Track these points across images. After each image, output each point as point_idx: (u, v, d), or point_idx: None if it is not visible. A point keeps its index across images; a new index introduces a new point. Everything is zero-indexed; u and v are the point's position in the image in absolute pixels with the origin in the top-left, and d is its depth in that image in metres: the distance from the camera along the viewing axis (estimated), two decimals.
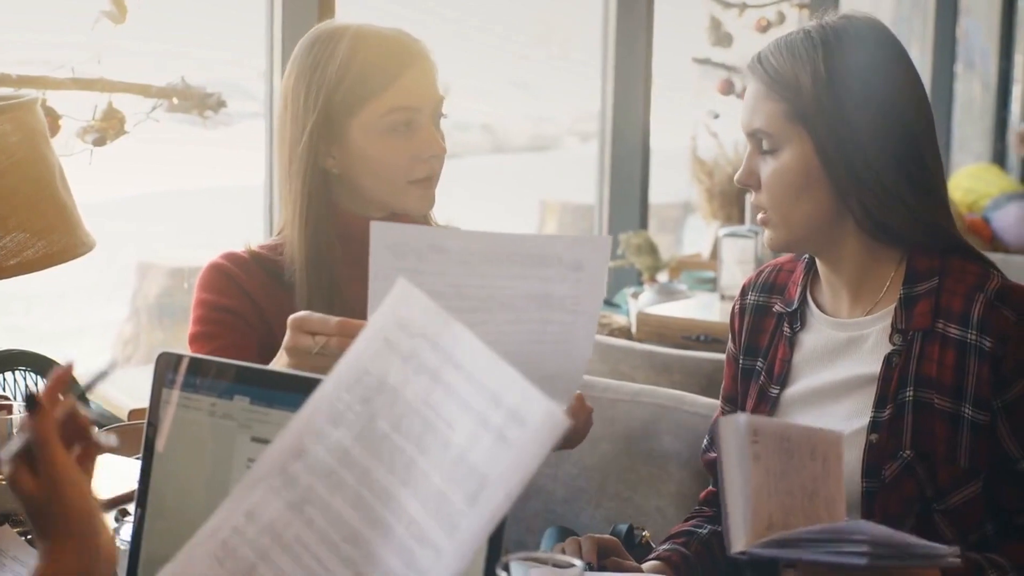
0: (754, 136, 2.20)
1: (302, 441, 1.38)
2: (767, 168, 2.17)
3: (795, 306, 2.29)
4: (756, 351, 2.35)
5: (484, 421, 1.29)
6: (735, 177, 2.25)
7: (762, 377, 2.30)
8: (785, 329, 2.29)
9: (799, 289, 2.30)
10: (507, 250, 1.94)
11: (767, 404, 2.27)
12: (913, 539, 1.82)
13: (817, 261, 2.27)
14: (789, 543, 1.83)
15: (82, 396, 3.16)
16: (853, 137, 2.11)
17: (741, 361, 2.36)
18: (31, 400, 1.36)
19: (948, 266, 2.16)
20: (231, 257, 2.47)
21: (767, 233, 2.23)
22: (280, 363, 2.08)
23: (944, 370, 2.09)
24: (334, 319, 2.00)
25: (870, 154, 2.11)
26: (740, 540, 1.87)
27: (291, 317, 2.04)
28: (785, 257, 2.37)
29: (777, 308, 2.32)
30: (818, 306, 2.28)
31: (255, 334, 2.41)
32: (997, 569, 2.03)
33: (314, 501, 1.36)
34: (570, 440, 2.47)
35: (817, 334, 2.26)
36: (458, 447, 1.30)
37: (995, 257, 4.59)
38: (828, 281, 2.27)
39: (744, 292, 2.40)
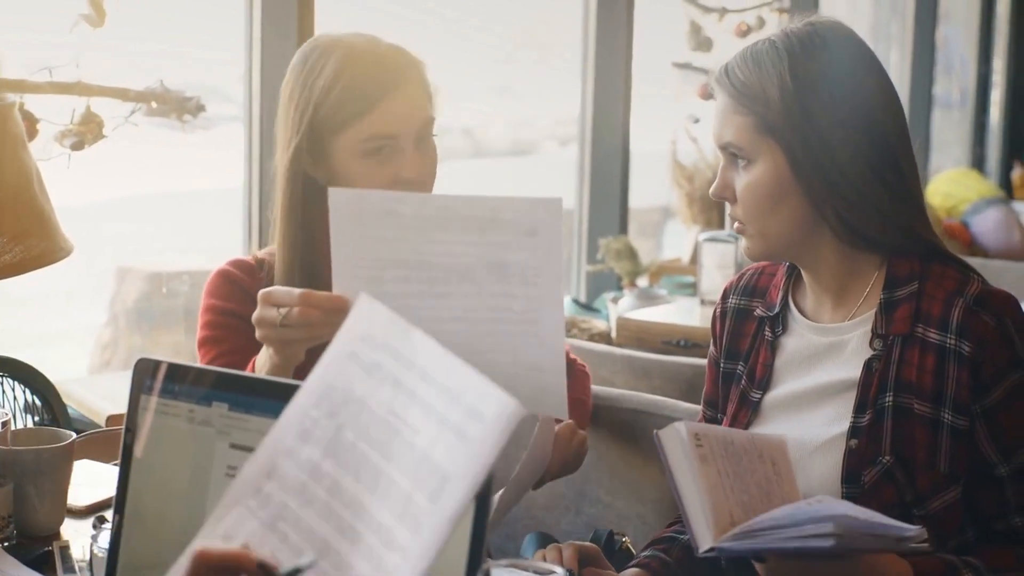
0: (726, 149, 2.18)
1: (273, 460, 1.40)
2: (741, 181, 2.16)
3: (777, 310, 2.28)
4: (737, 355, 2.34)
5: (444, 421, 1.31)
6: (710, 191, 2.24)
7: (743, 381, 2.30)
8: (767, 333, 2.29)
9: (780, 293, 2.29)
10: (459, 213, 1.93)
11: (748, 408, 2.27)
12: (879, 516, 1.82)
13: (798, 267, 2.27)
14: (754, 533, 1.83)
15: (57, 399, 3.15)
16: (825, 146, 2.09)
17: (722, 365, 2.36)
18: None
19: (928, 271, 2.15)
20: (238, 264, 2.52)
21: (744, 243, 2.22)
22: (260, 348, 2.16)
23: (924, 375, 2.09)
24: (297, 291, 2.05)
25: (843, 162, 2.10)
26: (706, 538, 1.88)
27: (260, 291, 2.10)
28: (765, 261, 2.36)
29: (759, 312, 2.32)
30: (800, 310, 2.27)
31: None
32: (972, 570, 2.03)
33: (287, 517, 1.37)
34: (567, 467, 2.48)
35: (798, 339, 2.25)
36: (421, 449, 1.32)
37: (974, 262, 4.60)
38: (809, 286, 2.26)
39: (725, 296, 2.39)
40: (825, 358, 2.21)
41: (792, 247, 2.19)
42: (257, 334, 2.13)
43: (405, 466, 1.32)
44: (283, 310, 2.06)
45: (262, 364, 2.19)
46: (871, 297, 2.19)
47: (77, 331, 6.40)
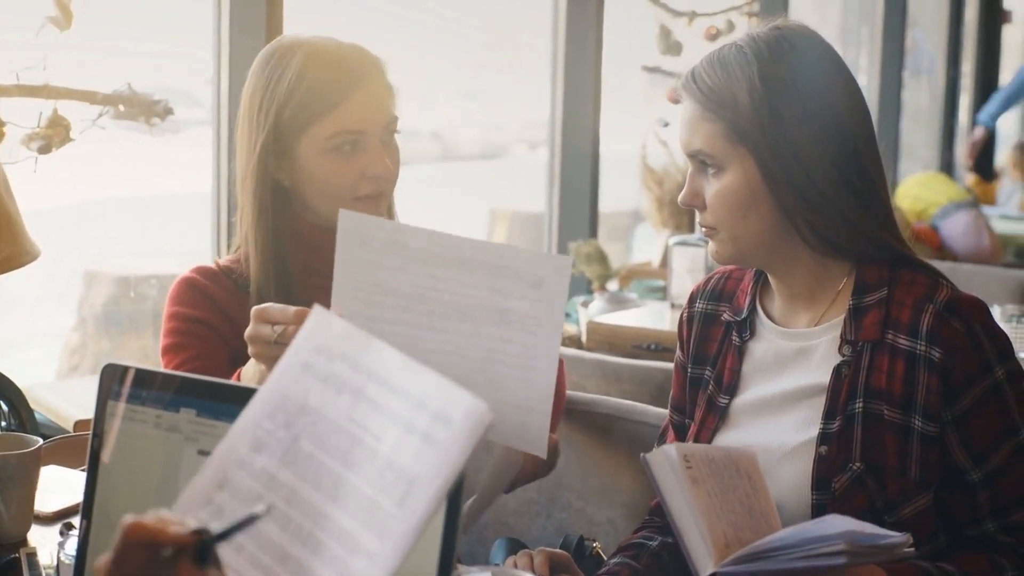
0: (695, 157, 2.16)
1: (225, 472, 1.40)
2: (711, 189, 2.14)
3: (744, 315, 2.28)
4: (704, 359, 2.33)
5: (409, 426, 1.32)
6: (679, 199, 2.22)
7: (711, 387, 2.29)
8: (734, 338, 2.28)
9: (748, 298, 2.29)
10: (467, 255, 1.95)
11: (716, 414, 2.26)
12: (878, 530, 1.84)
13: (767, 272, 2.26)
14: (759, 556, 1.83)
15: (25, 405, 3.13)
16: (794, 151, 2.08)
17: (690, 370, 2.35)
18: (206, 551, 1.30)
19: (897, 277, 2.15)
20: (202, 271, 2.51)
21: (713, 247, 2.20)
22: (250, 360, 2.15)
23: (894, 381, 2.09)
24: (292, 308, 2.05)
25: (811, 167, 2.08)
26: (707, 563, 1.87)
27: (254, 308, 2.09)
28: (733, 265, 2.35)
29: (725, 317, 2.31)
30: (767, 315, 2.26)
31: (226, 345, 2.45)
32: (944, 575, 2.03)
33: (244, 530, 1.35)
34: (539, 471, 2.48)
35: (766, 344, 2.25)
36: (385, 455, 1.32)
37: (943, 266, 4.62)
38: (777, 291, 2.26)
39: (692, 300, 2.38)
40: (793, 363, 2.21)
41: (762, 253, 2.18)
42: (250, 350, 2.11)
43: (368, 473, 1.33)
44: (278, 328, 2.05)
45: (249, 379, 2.18)
46: (839, 303, 2.18)
47: (45, 336, 6.38)
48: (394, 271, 1.96)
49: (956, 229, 7.10)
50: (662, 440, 2.44)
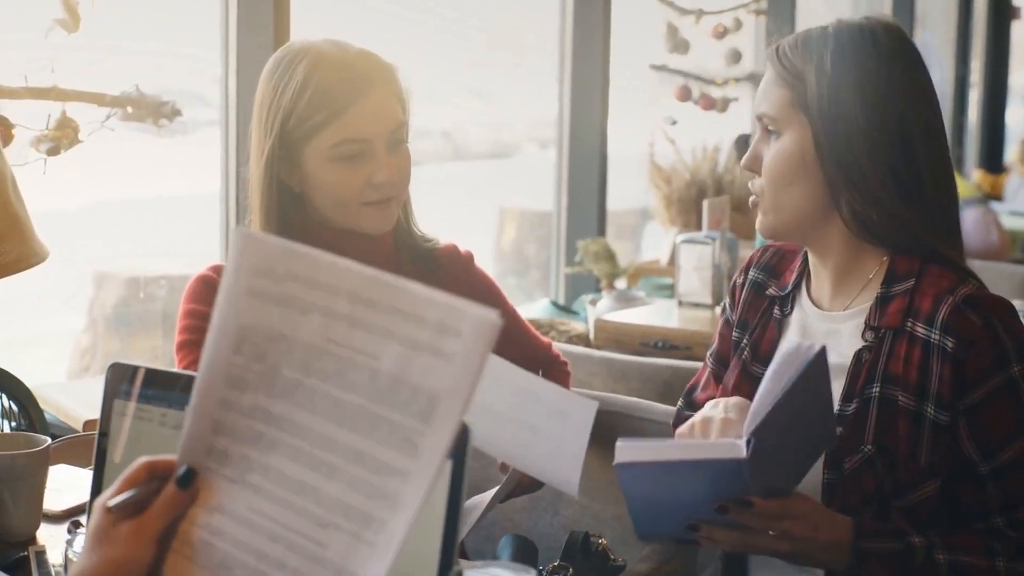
0: (761, 120, 2.24)
1: (212, 416, 1.35)
2: (769, 152, 2.22)
3: (788, 290, 2.33)
4: (745, 326, 2.39)
5: (411, 342, 1.26)
6: (741, 163, 2.32)
7: (746, 353, 2.34)
8: (776, 312, 2.34)
9: (794, 275, 2.35)
10: (524, 387, 2.19)
11: (750, 382, 2.29)
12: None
13: (806, 248, 2.31)
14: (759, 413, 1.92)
15: (34, 405, 3.15)
16: (848, 137, 2.14)
17: (735, 332, 2.42)
18: (188, 475, 1.33)
19: (926, 269, 2.18)
20: (218, 269, 2.54)
21: (758, 218, 2.27)
22: None
23: (910, 368, 2.12)
24: None
25: (860, 154, 2.13)
26: (739, 446, 1.91)
27: None
28: (790, 243, 2.39)
29: (771, 291, 2.37)
30: (808, 295, 2.31)
31: None
32: (924, 538, 2.06)
33: (253, 467, 1.33)
34: (536, 485, 2.50)
35: (801, 322, 2.30)
36: (389, 374, 1.27)
37: None
38: (814, 271, 2.31)
39: (747, 267, 2.45)
40: (822, 342, 2.23)
41: (802, 227, 2.23)
42: None
43: (372, 393, 1.28)
44: None
45: None
46: (869, 289, 2.22)
47: (56, 337, 6.39)
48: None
49: (965, 225, 7.07)
50: (690, 394, 2.52)
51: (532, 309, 5.23)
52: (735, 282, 2.47)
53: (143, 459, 1.36)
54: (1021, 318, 2.15)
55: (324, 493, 1.29)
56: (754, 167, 2.25)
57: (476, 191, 10.53)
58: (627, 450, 1.95)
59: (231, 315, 1.34)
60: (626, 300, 4.94)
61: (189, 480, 1.33)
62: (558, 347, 3.80)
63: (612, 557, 2.37)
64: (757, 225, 2.28)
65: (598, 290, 5.31)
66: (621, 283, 5.30)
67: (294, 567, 1.29)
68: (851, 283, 2.25)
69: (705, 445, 1.98)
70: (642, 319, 4.56)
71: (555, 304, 5.38)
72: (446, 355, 1.24)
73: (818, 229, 2.22)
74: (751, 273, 2.43)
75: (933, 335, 2.11)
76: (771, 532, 2.01)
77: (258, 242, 1.33)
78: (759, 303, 2.39)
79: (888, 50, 2.19)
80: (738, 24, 6.08)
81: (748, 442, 1.89)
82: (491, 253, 8.16)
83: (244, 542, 1.31)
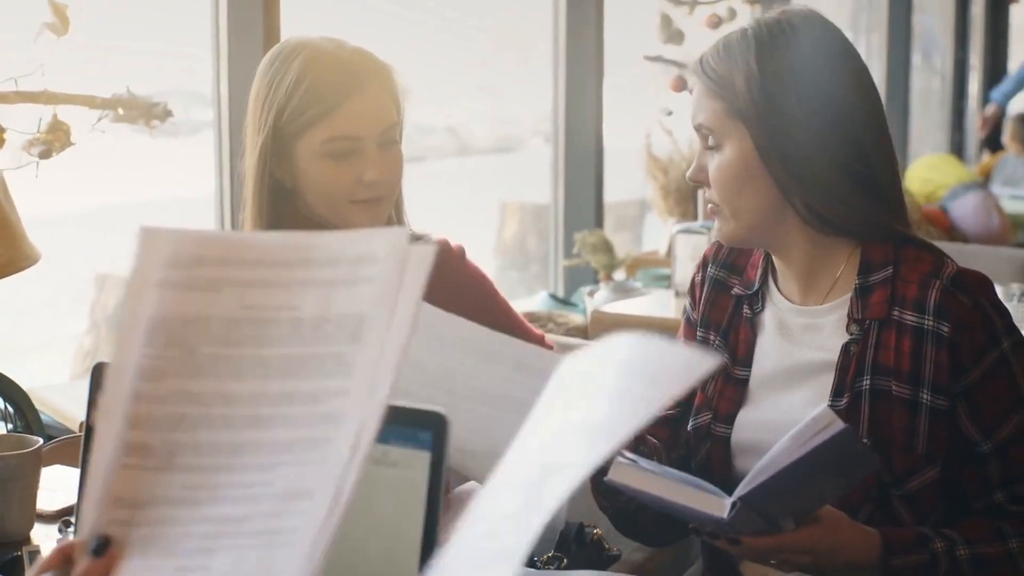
0: (699, 131, 2.22)
1: (125, 413, 1.30)
2: (713, 163, 2.20)
3: (756, 287, 2.31)
4: (711, 325, 2.36)
5: (329, 282, 1.26)
6: (686, 174, 2.29)
7: (725, 358, 2.32)
8: (745, 311, 2.31)
9: (759, 272, 2.32)
10: (494, 348, 2.05)
11: (734, 386, 2.28)
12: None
13: (770, 252, 2.30)
14: (763, 471, 1.89)
15: (30, 406, 3.16)
16: (789, 136, 2.13)
17: (699, 331, 2.39)
18: (101, 545, 1.32)
19: (902, 255, 2.18)
20: None
21: (718, 226, 2.25)
22: None
23: (901, 357, 2.12)
24: None
25: (808, 152, 2.13)
26: (720, 505, 1.92)
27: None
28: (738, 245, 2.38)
29: (736, 291, 2.34)
30: (778, 289, 2.30)
31: None
32: (945, 540, 2.06)
33: (179, 450, 1.30)
34: None
35: (777, 316, 2.28)
36: (312, 318, 1.26)
37: (953, 247, 4.62)
38: (780, 269, 2.29)
39: (705, 264, 2.41)
40: (802, 339, 2.24)
41: (762, 231, 2.22)
42: None
43: (299, 338, 1.27)
44: None
45: None
46: (844, 281, 2.21)
47: (59, 340, 6.41)
48: (424, 350, 2.01)
49: (966, 210, 7.10)
50: None
51: (531, 302, 5.23)
52: (693, 280, 2.44)
53: (59, 545, 1.35)
54: (1009, 296, 2.17)
55: (262, 442, 1.27)
56: (701, 178, 2.23)
57: (481, 185, 10.55)
58: (620, 471, 1.96)
59: (139, 311, 1.30)
60: (624, 291, 4.95)
61: (103, 549, 1.30)
62: (556, 339, 3.81)
63: (607, 547, 2.38)
64: (717, 234, 2.27)
65: (596, 282, 5.31)
66: (619, 275, 5.30)
67: (245, 513, 1.28)
68: (821, 277, 2.23)
69: (692, 492, 1.93)
70: (639, 310, 4.56)
71: (553, 296, 5.38)
72: (365, 279, 1.25)
73: (777, 230, 2.21)
74: (710, 270, 2.39)
75: (927, 322, 2.11)
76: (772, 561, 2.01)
77: (163, 235, 1.30)
78: (724, 301, 2.36)
79: (815, 41, 2.19)
80: (732, 14, 6.07)
81: (733, 504, 1.89)
82: (492, 247, 8.17)
83: (191, 517, 1.29)
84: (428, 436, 1.45)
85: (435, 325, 2.01)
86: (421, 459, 1.45)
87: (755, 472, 1.90)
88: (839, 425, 1.83)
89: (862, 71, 2.23)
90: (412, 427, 1.46)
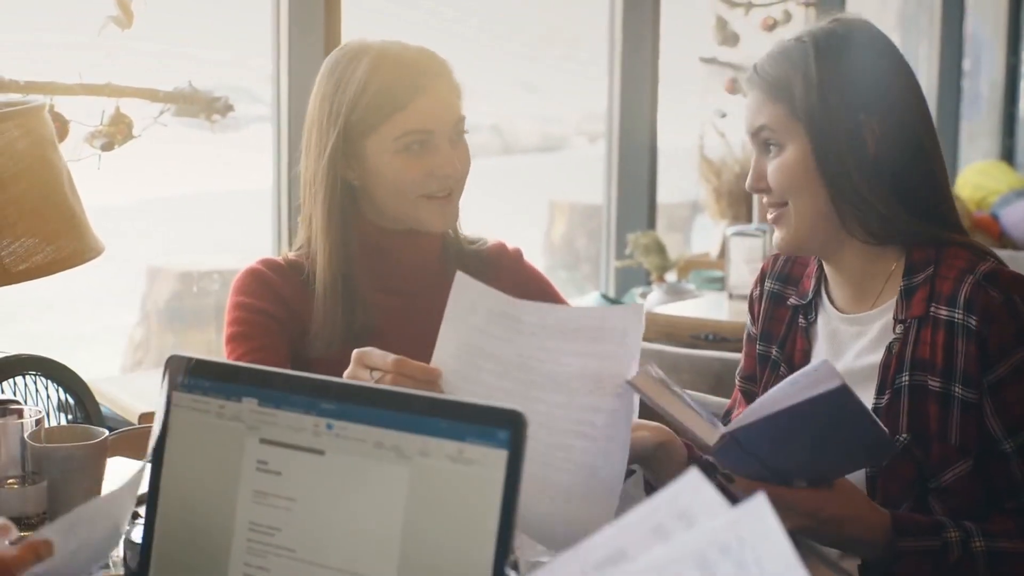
0: (758, 136, 2.23)
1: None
2: (773, 165, 2.21)
3: (809, 298, 2.32)
4: (770, 338, 2.38)
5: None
6: (746, 184, 2.30)
7: (782, 368, 2.33)
8: (800, 321, 2.33)
9: (812, 282, 2.34)
10: (574, 325, 2.01)
11: None
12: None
13: (822, 261, 2.30)
14: (758, 411, 1.91)
15: (91, 398, 3.18)
16: (845, 139, 2.15)
17: (758, 346, 2.40)
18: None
19: (943, 254, 2.19)
20: (268, 263, 2.56)
21: (776, 234, 2.26)
22: None
23: (936, 351, 2.12)
24: (392, 357, 2.07)
25: (860, 157, 2.15)
26: (712, 433, 1.92)
27: (355, 351, 2.11)
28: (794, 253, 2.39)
29: (792, 301, 2.36)
30: (830, 300, 2.31)
31: (288, 337, 2.51)
32: (961, 530, 2.06)
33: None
34: None
35: (828, 327, 2.30)
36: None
37: (1004, 254, 4.59)
38: (832, 278, 2.30)
39: (762, 278, 2.44)
40: (851, 346, 2.25)
41: (817, 237, 2.22)
42: None
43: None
44: (376, 374, 2.07)
45: None
46: (892, 285, 2.22)
47: (110, 331, 6.45)
48: (499, 341, 2.01)
49: (1016, 217, 7.06)
50: (725, 418, 2.47)
51: (582, 303, 5.24)
52: (752, 295, 2.46)
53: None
54: None
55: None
56: (762, 186, 2.24)
57: (525, 185, 10.56)
58: (642, 379, 1.97)
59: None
60: (676, 293, 4.95)
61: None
62: None
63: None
64: (775, 244, 2.28)
65: (648, 283, 5.31)
66: (671, 276, 5.30)
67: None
68: (871, 284, 2.25)
69: (692, 415, 1.96)
70: (692, 312, 4.57)
71: (605, 297, 5.38)
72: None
73: (831, 238, 2.22)
74: (767, 284, 2.42)
75: (956, 315, 2.11)
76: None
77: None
78: (781, 314, 2.38)
79: (864, 47, 2.20)
80: (787, 16, 6.07)
81: (723, 436, 1.92)
82: (541, 247, 8.17)
83: None
84: (506, 435, 1.44)
85: (513, 314, 2.02)
86: (498, 457, 1.45)
87: (748, 411, 1.94)
88: (836, 381, 1.84)
89: (911, 78, 2.25)
90: (490, 425, 1.46)
